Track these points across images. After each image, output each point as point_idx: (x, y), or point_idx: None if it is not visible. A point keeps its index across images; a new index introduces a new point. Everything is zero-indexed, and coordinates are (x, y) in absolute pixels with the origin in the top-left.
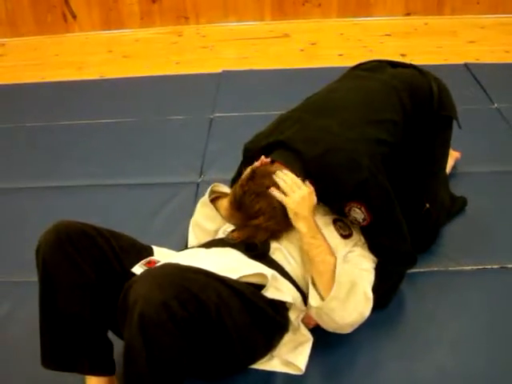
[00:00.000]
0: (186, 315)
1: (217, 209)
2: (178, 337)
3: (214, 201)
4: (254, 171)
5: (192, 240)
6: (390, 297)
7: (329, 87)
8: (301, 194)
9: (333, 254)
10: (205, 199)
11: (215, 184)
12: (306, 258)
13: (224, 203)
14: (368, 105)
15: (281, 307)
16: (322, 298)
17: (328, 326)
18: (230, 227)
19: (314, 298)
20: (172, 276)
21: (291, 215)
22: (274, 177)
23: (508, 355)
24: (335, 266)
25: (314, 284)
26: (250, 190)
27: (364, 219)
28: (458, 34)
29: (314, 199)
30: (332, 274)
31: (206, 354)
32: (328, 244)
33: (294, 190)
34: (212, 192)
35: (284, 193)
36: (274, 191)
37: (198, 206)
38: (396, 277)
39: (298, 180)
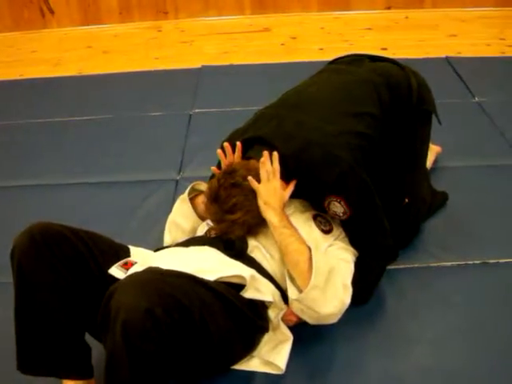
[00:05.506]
0: (169, 321)
1: (194, 207)
2: (162, 344)
3: (193, 199)
4: (231, 165)
5: (167, 240)
6: (370, 292)
7: (306, 82)
8: (274, 185)
9: (306, 244)
10: (184, 196)
11: (196, 182)
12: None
13: (201, 199)
14: (346, 98)
15: (260, 307)
16: (300, 290)
17: (310, 317)
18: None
19: (292, 291)
20: (155, 282)
21: (261, 203)
22: (262, 158)
23: (489, 352)
24: (310, 256)
25: (290, 277)
26: (226, 183)
27: (344, 213)
28: (439, 27)
29: (286, 196)
30: (308, 263)
31: (187, 357)
32: (300, 235)
33: (269, 179)
34: (192, 190)
35: (259, 180)
36: (250, 178)
37: (177, 202)
38: (376, 271)
39: (278, 171)
